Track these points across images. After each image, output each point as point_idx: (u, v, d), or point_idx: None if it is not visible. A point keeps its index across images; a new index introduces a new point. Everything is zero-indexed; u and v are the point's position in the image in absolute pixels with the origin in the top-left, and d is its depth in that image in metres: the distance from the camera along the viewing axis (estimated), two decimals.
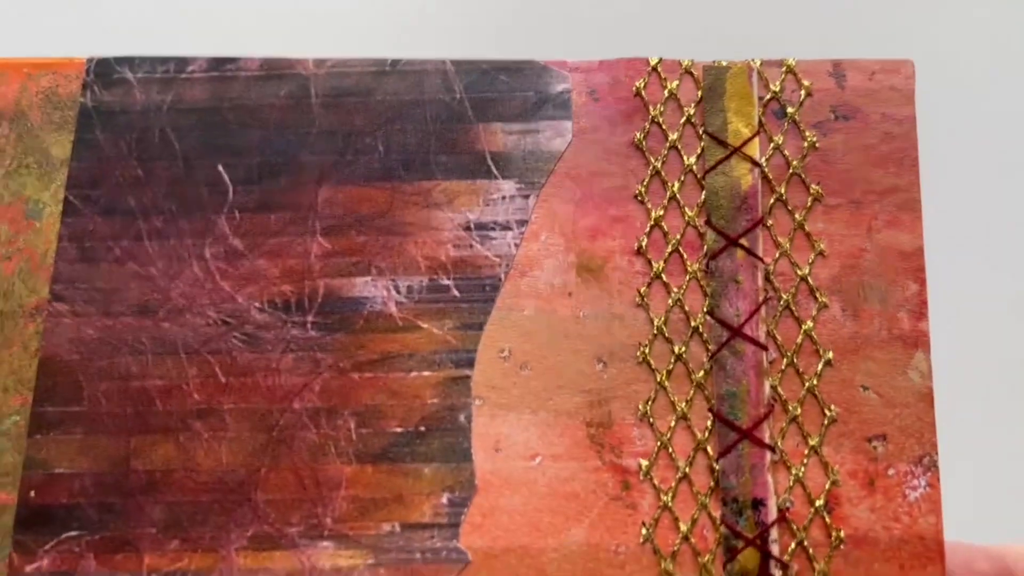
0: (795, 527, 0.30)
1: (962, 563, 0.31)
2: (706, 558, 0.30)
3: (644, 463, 0.30)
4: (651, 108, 0.33)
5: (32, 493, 0.31)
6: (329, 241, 0.32)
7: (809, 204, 0.32)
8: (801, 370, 0.31)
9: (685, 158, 0.32)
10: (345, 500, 0.31)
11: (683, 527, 0.30)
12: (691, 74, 0.33)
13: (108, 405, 0.32)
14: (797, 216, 0.32)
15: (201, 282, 0.32)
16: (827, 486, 0.30)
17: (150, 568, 0.30)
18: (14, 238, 0.33)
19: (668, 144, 0.32)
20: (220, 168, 0.33)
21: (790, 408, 0.30)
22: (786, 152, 0.32)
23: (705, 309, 0.31)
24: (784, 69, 0.33)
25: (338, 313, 0.32)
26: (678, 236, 0.32)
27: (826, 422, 0.30)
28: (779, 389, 0.30)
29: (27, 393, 0.32)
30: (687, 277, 0.31)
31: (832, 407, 0.30)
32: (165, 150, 0.33)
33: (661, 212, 0.32)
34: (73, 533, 0.31)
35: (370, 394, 0.31)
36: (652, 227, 0.32)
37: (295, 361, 0.32)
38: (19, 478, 0.31)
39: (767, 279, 0.31)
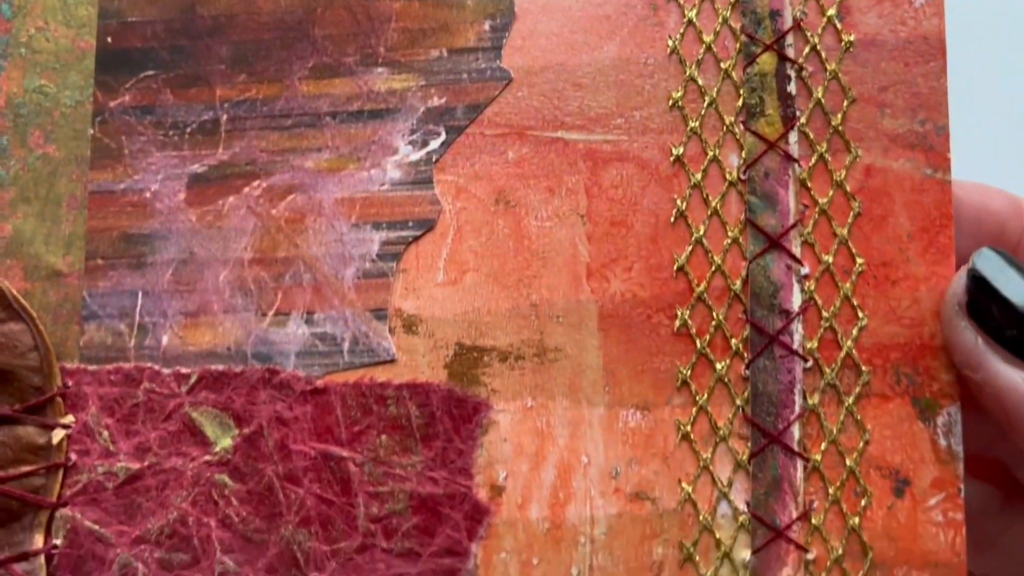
0: (809, 34, 0.32)
1: (977, 201, 0.33)
2: (727, 64, 0.32)
3: None
4: None
5: (109, 39, 0.34)
6: None
7: None
8: None
9: None
10: (396, 31, 0.33)
11: (707, 38, 0.33)
12: None
13: None
14: None
15: None
16: None
17: (222, 98, 0.34)
18: None
19: None
20: None
21: None
22: None
23: None
24: None
25: None
26: None
27: None
28: None
29: None
30: None
31: None
32: None
33: None
34: (150, 72, 0.34)
35: None
36: None
37: None
38: (95, 27, 0.34)
39: None
